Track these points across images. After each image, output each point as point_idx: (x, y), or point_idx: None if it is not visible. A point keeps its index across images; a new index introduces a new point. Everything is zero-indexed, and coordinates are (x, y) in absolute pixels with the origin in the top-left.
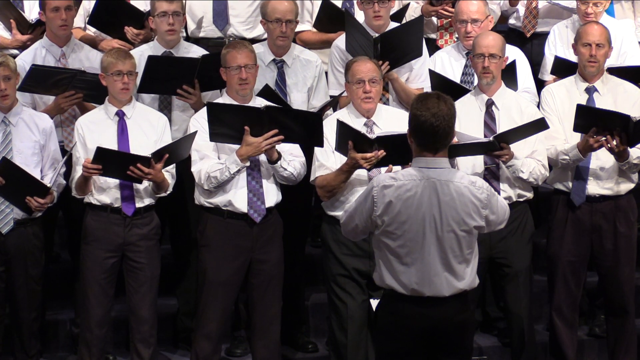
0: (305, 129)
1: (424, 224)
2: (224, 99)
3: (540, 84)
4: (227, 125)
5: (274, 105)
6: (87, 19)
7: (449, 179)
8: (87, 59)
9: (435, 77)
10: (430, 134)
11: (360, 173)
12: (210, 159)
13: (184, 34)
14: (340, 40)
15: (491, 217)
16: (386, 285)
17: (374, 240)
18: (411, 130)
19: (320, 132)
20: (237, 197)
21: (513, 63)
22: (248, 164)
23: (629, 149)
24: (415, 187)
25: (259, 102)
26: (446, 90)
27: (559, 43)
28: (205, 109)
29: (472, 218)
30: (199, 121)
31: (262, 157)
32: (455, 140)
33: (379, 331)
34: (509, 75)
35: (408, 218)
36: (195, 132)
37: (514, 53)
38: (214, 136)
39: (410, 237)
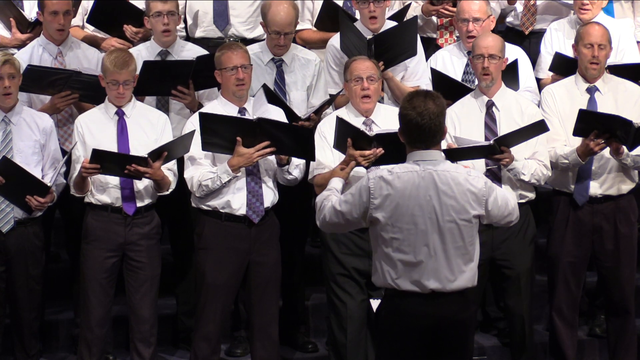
0: (297, 143)
1: (424, 215)
2: (219, 101)
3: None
4: (219, 135)
5: (266, 118)
6: (86, 17)
7: (445, 169)
8: (85, 57)
9: (437, 75)
10: (417, 132)
11: (359, 171)
12: (202, 166)
13: (185, 34)
14: (336, 39)
15: (490, 207)
16: (388, 284)
17: (373, 238)
18: (401, 130)
19: (312, 147)
20: (235, 200)
21: (515, 62)
22: (239, 174)
23: None
24: (412, 179)
25: (255, 104)
26: (448, 89)
27: (556, 41)
28: (201, 110)
29: (471, 207)
30: (195, 125)
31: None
32: (455, 145)
33: (380, 331)
34: (511, 74)
35: (407, 210)
36: (194, 131)
37: (515, 52)
38: (206, 145)
39: (411, 229)
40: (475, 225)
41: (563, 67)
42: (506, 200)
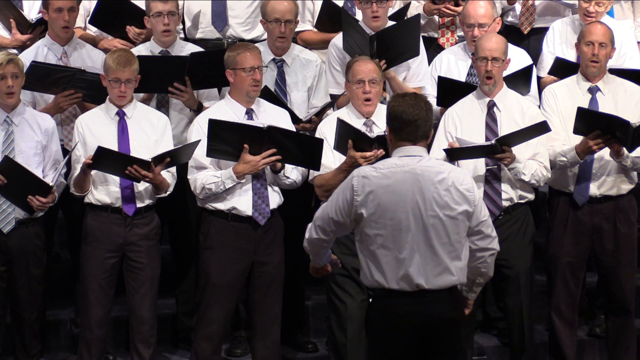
0: (303, 152)
1: (407, 211)
2: (227, 101)
3: (536, 80)
4: (226, 141)
5: (276, 126)
6: (88, 18)
7: (429, 165)
8: (89, 58)
9: (443, 82)
10: (408, 122)
11: None
12: (206, 169)
13: (183, 35)
14: (338, 39)
15: (477, 202)
16: (375, 283)
17: (358, 238)
18: (390, 124)
19: (319, 157)
20: (242, 200)
21: (530, 67)
22: (244, 180)
23: None
24: (396, 175)
25: (261, 105)
26: (454, 91)
27: (558, 41)
28: (208, 111)
29: (455, 202)
30: (202, 126)
31: None
32: (456, 144)
33: (371, 332)
34: (524, 79)
35: (391, 206)
36: (199, 141)
37: (518, 55)
38: (212, 152)
39: (395, 225)
40: (462, 222)
41: (563, 71)
42: (486, 211)
